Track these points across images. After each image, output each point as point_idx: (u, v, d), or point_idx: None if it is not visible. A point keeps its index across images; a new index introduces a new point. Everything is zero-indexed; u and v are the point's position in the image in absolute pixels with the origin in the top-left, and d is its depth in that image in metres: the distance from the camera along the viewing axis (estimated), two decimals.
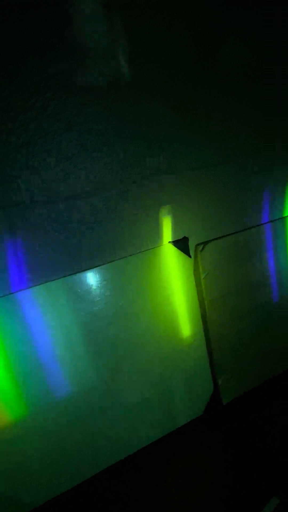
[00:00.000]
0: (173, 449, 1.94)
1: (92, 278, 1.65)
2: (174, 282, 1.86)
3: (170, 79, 1.63)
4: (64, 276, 1.60)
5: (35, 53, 1.33)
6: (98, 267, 1.67)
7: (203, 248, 1.87)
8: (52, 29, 1.33)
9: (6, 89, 1.31)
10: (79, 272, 1.63)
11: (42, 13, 1.29)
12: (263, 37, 1.73)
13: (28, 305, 1.55)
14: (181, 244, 1.84)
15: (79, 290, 1.63)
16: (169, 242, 1.82)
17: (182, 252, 1.84)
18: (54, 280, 1.59)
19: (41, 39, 1.33)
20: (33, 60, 1.33)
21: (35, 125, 1.40)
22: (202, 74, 1.69)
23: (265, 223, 2.02)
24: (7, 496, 1.65)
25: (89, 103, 1.47)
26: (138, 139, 1.63)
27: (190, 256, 1.87)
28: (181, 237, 1.85)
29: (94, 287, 1.66)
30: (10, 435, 1.61)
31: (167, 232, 1.82)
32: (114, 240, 1.70)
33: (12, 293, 1.51)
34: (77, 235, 1.61)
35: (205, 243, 1.88)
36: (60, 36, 1.35)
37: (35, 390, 1.63)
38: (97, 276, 1.66)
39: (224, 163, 1.88)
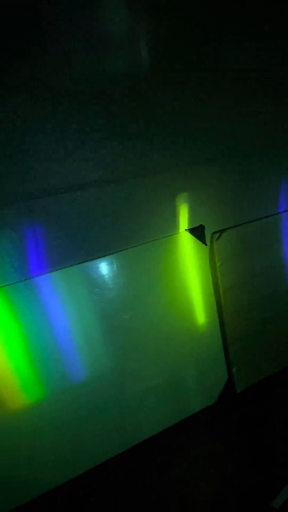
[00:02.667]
0: (186, 436, 1.96)
1: (108, 265, 1.67)
2: (189, 270, 1.87)
3: (183, 74, 1.63)
4: (81, 262, 1.62)
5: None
6: (115, 254, 1.68)
7: (219, 236, 1.87)
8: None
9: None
10: (95, 258, 1.65)
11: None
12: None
13: (46, 290, 1.57)
14: (197, 232, 1.84)
15: (95, 276, 1.65)
16: (186, 229, 1.83)
17: (198, 240, 1.85)
18: (71, 266, 1.61)
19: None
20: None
21: (60, 112, 1.41)
22: (214, 70, 1.69)
23: (282, 212, 2.01)
24: (22, 477, 1.69)
25: (112, 97, 1.48)
26: (154, 130, 1.63)
27: (206, 244, 1.87)
28: (197, 225, 1.85)
29: (110, 273, 1.68)
30: (26, 418, 1.64)
31: (183, 220, 1.82)
32: (131, 228, 1.71)
33: (31, 278, 1.54)
34: (94, 223, 1.63)
35: (221, 231, 1.88)
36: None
37: (51, 374, 1.66)
38: (114, 262, 1.68)
39: (241, 154, 1.88)
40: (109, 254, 1.67)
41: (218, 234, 1.87)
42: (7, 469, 1.63)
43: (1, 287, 1.49)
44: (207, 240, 1.89)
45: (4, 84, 1.30)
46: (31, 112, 1.37)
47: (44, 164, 1.46)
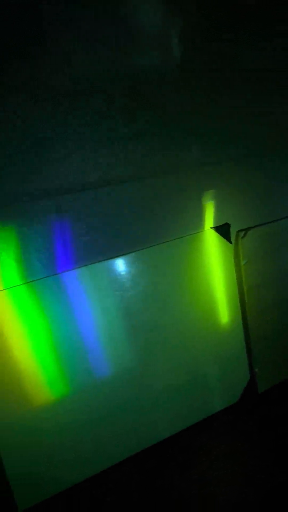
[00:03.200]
0: (208, 434, 1.95)
1: (133, 262, 1.67)
2: (214, 268, 1.86)
3: (218, 69, 1.62)
4: (107, 259, 1.63)
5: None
6: (140, 251, 1.68)
7: (244, 235, 1.86)
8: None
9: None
10: (121, 255, 1.65)
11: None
12: None
13: (72, 285, 1.59)
14: (222, 230, 1.83)
15: (120, 273, 1.66)
16: (211, 227, 1.82)
17: (223, 238, 1.84)
18: (97, 262, 1.62)
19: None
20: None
21: (65, 116, 1.42)
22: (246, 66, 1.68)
23: None
24: (41, 473, 1.70)
25: (121, 94, 1.48)
26: (181, 128, 1.63)
27: (231, 243, 1.86)
28: (222, 223, 1.84)
29: (134, 270, 1.68)
30: (49, 415, 1.65)
31: (209, 217, 1.82)
32: (157, 225, 1.72)
33: (58, 274, 1.55)
34: (121, 220, 1.63)
35: (246, 230, 1.87)
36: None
37: (75, 371, 1.67)
38: (139, 260, 1.68)
39: (268, 153, 1.87)
40: (134, 251, 1.68)
41: (243, 232, 1.86)
42: (27, 465, 1.64)
43: (28, 282, 1.51)
44: (232, 238, 1.87)
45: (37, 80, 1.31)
46: (71, 106, 1.38)
47: (72, 160, 1.47)
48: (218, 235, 1.82)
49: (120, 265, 1.65)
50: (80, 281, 1.59)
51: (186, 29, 1.50)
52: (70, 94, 1.38)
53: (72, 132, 1.43)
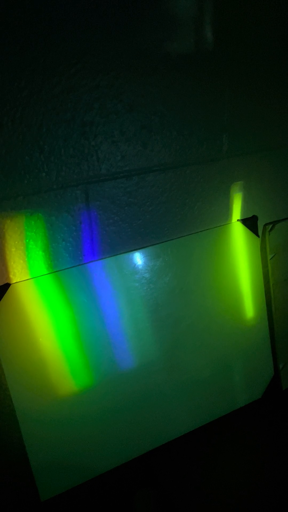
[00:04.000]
0: (230, 430, 1.93)
1: (159, 254, 1.65)
2: (240, 262, 1.83)
3: (245, 61, 1.58)
4: (133, 250, 1.61)
5: (100, 32, 1.31)
6: (166, 243, 1.66)
7: (272, 228, 1.82)
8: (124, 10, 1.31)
9: (73, 67, 1.31)
10: (147, 246, 1.63)
11: None
12: None
13: (98, 276, 1.57)
14: (250, 222, 1.79)
15: (145, 265, 1.64)
16: (238, 220, 1.78)
17: (250, 231, 1.80)
18: (123, 253, 1.60)
19: (109, 19, 1.31)
20: (98, 38, 1.31)
21: (99, 104, 1.39)
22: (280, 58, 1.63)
23: None
24: (71, 461, 1.70)
25: (152, 84, 1.45)
26: (202, 119, 1.60)
27: (258, 236, 1.82)
28: (250, 216, 1.80)
29: (160, 262, 1.66)
30: (74, 403, 1.65)
31: (236, 210, 1.78)
32: (184, 216, 1.69)
33: (84, 264, 1.54)
34: (149, 210, 1.61)
35: (274, 223, 1.83)
36: (128, 14, 1.33)
37: (100, 362, 1.66)
38: (165, 251, 1.66)
39: None
40: (160, 243, 1.66)
41: (271, 225, 1.82)
42: (50, 455, 1.63)
43: (55, 271, 1.50)
44: (259, 231, 1.84)
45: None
46: (90, 91, 1.36)
47: (104, 147, 1.45)
48: (245, 227, 1.79)
49: (146, 256, 1.63)
50: (106, 272, 1.58)
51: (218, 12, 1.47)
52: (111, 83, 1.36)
53: (99, 121, 1.40)
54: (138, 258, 1.62)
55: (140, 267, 1.63)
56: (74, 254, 1.53)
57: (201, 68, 1.51)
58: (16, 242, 1.42)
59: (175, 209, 1.65)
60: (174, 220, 1.67)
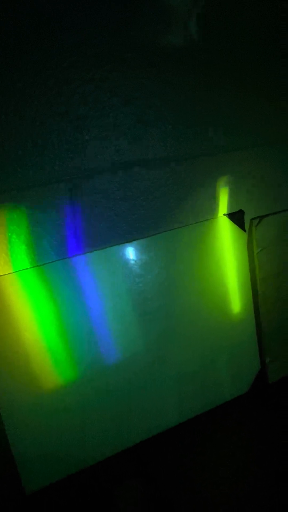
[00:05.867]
0: (217, 423, 1.94)
1: (144, 248, 1.65)
2: (226, 256, 1.82)
3: (236, 55, 1.57)
4: (118, 244, 1.61)
5: (95, 24, 1.29)
6: (152, 237, 1.66)
7: (258, 223, 1.82)
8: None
9: (67, 60, 1.29)
10: (132, 240, 1.63)
11: None
12: None
13: (82, 270, 1.57)
14: (236, 217, 1.79)
15: (130, 259, 1.64)
16: (224, 214, 1.78)
17: (236, 226, 1.80)
18: (108, 247, 1.59)
19: (104, 12, 1.29)
20: (93, 31, 1.30)
21: (93, 98, 1.38)
22: (272, 54, 1.63)
23: None
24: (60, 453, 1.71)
25: (148, 77, 1.43)
26: (196, 114, 1.59)
27: (245, 230, 1.82)
28: (236, 210, 1.80)
29: (146, 256, 1.66)
30: (59, 396, 1.65)
31: (222, 204, 1.78)
32: (170, 210, 1.68)
33: (68, 258, 1.53)
34: (133, 205, 1.61)
35: (261, 218, 1.82)
36: (123, 6, 1.31)
37: (84, 356, 1.66)
38: (150, 245, 1.65)
39: (284, 140, 1.82)
40: (146, 237, 1.65)
41: (257, 220, 1.82)
42: (34, 448, 1.63)
43: (38, 265, 1.50)
44: (246, 226, 1.83)
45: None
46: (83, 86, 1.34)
47: (88, 142, 1.43)
48: (232, 222, 1.78)
49: (131, 250, 1.63)
50: (90, 266, 1.58)
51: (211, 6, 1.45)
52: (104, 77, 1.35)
53: (94, 115, 1.39)
54: (123, 252, 1.62)
55: (125, 261, 1.63)
56: (58, 248, 1.53)
57: (197, 62, 1.50)
58: None
59: (160, 203, 1.65)
60: (159, 214, 1.66)
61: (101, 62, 1.34)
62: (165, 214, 1.67)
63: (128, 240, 1.61)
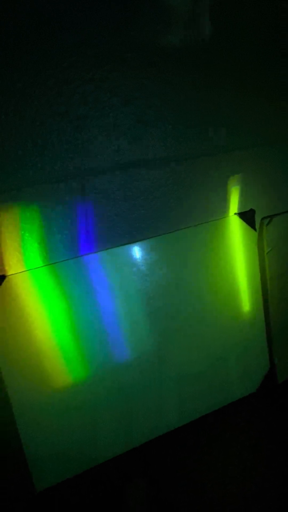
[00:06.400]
0: (226, 422, 1.94)
1: (155, 247, 1.64)
2: (236, 255, 1.82)
3: (236, 55, 1.57)
4: (129, 243, 1.61)
5: (95, 24, 1.29)
6: (162, 236, 1.66)
7: (269, 222, 1.81)
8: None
9: (67, 60, 1.29)
10: (143, 239, 1.62)
11: None
12: None
13: (93, 268, 1.57)
14: (247, 216, 1.78)
15: (141, 258, 1.63)
16: (235, 213, 1.78)
17: (247, 225, 1.79)
18: (119, 246, 1.59)
19: (104, 11, 1.29)
20: (93, 30, 1.29)
21: (93, 98, 1.37)
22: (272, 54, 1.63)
23: None
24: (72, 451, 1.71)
25: (148, 77, 1.43)
26: (196, 114, 1.59)
27: (255, 230, 1.82)
28: (247, 209, 1.80)
29: (156, 256, 1.66)
30: (70, 395, 1.65)
31: (233, 203, 1.78)
32: (180, 210, 1.69)
33: (80, 256, 1.53)
34: (145, 204, 1.61)
35: (271, 217, 1.82)
36: (124, 6, 1.31)
37: (95, 354, 1.66)
38: (161, 245, 1.65)
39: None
40: (157, 236, 1.65)
41: (268, 219, 1.81)
42: (46, 446, 1.64)
43: (51, 264, 1.50)
44: (257, 225, 1.83)
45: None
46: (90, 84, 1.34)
47: (98, 141, 1.44)
48: (242, 221, 1.78)
49: (142, 249, 1.63)
50: (101, 265, 1.58)
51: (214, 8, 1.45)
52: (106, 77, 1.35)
53: (94, 115, 1.39)
54: (134, 251, 1.62)
55: (136, 260, 1.63)
56: (70, 247, 1.53)
57: (197, 62, 1.50)
58: (12, 234, 1.41)
59: (171, 202, 1.65)
60: (170, 213, 1.66)
61: (101, 62, 1.34)
62: (173, 214, 1.68)
63: (137, 239, 1.62)
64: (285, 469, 1.67)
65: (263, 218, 1.83)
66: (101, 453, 1.78)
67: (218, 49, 1.52)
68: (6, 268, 1.43)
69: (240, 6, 1.51)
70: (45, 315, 1.52)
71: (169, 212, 1.67)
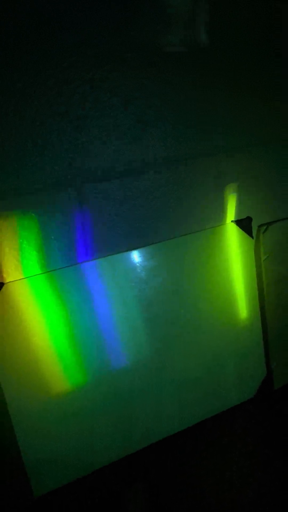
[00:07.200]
0: (223, 428, 1.94)
1: (152, 254, 1.66)
2: (233, 263, 1.83)
3: (231, 55, 1.58)
4: (126, 251, 1.62)
5: (95, 24, 1.31)
6: (159, 243, 1.67)
7: (266, 229, 1.83)
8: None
9: (67, 60, 1.30)
10: (140, 247, 1.64)
11: None
12: None
13: (91, 276, 1.58)
14: (244, 223, 1.80)
15: (138, 265, 1.65)
16: (232, 221, 1.79)
17: (244, 232, 1.81)
18: (116, 254, 1.61)
19: (104, 13, 1.30)
20: (93, 30, 1.31)
21: (93, 98, 1.39)
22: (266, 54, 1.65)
23: None
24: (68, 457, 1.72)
25: (148, 77, 1.45)
26: (196, 114, 1.60)
27: (252, 237, 1.83)
28: (244, 217, 1.81)
29: (153, 263, 1.67)
30: (67, 401, 1.66)
31: (230, 211, 1.79)
32: (178, 217, 1.70)
33: (77, 264, 1.55)
34: (142, 211, 1.62)
35: (268, 224, 1.83)
36: (124, 6, 1.32)
37: (92, 360, 1.67)
38: (158, 252, 1.67)
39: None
40: (154, 244, 1.66)
41: (265, 227, 1.83)
42: (44, 451, 1.64)
43: (48, 271, 1.51)
44: (253, 233, 1.84)
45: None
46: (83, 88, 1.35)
47: (98, 141, 1.45)
48: (239, 229, 1.79)
49: (139, 257, 1.64)
50: (99, 272, 1.59)
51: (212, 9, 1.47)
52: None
53: (94, 115, 1.40)
54: (131, 259, 1.63)
55: (133, 267, 1.64)
56: (67, 254, 1.54)
57: (197, 62, 1.51)
58: (10, 242, 1.43)
59: (168, 210, 1.66)
60: (167, 221, 1.67)
61: (101, 62, 1.35)
62: (170, 222, 1.69)
63: (134, 247, 1.63)
64: (282, 475, 1.67)
65: (260, 226, 1.84)
66: (100, 459, 1.79)
67: (212, 49, 1.53)
68: (4, 275, 1.45)
69: (234, 6, 1.52)
70: (43, 322, 1.54)
71: (169, 212, 1.67)
